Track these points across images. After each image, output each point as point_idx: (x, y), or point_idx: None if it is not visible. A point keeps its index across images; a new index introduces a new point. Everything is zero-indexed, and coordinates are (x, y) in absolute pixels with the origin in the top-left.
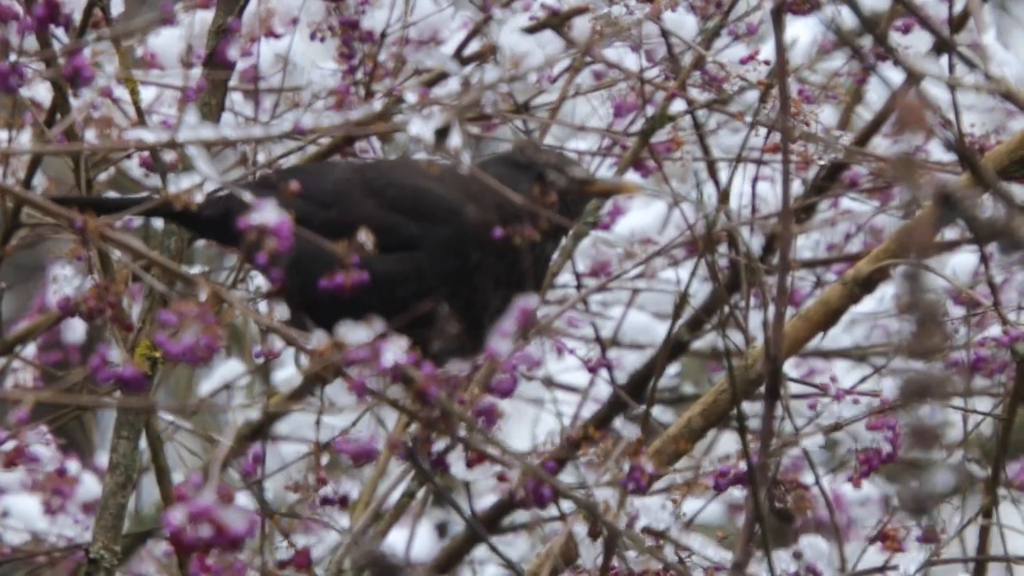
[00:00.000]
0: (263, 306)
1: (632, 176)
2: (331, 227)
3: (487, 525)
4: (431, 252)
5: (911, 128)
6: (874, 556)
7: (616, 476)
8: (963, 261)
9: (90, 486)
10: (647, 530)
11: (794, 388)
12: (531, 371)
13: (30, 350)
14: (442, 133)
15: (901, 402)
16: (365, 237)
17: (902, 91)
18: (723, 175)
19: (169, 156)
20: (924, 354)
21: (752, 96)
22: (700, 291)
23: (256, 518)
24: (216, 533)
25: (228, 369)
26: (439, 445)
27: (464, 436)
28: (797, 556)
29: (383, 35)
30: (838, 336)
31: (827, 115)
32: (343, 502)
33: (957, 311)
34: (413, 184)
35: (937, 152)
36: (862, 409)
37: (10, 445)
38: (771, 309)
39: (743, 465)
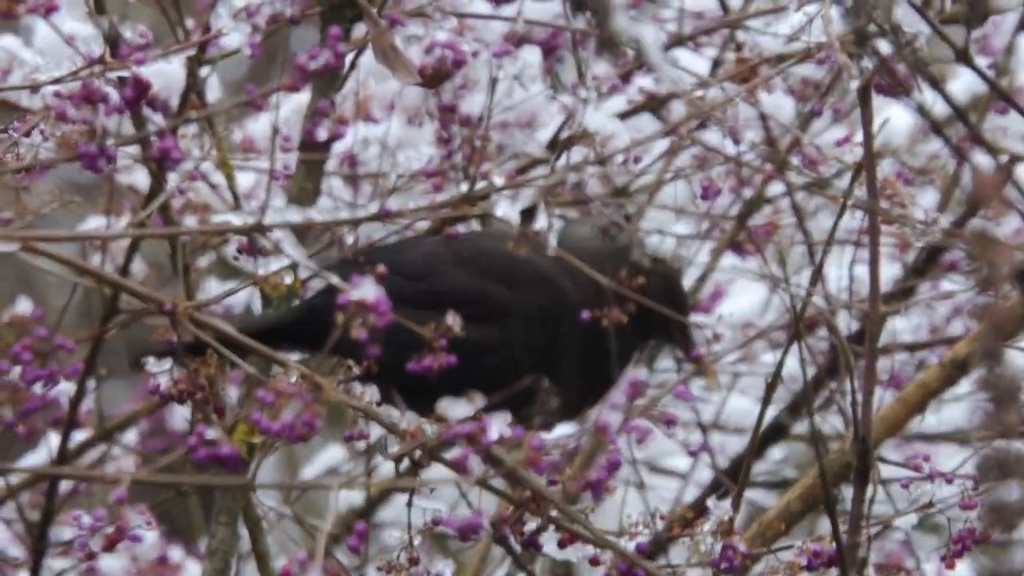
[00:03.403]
0: (356, 388)
1: (730, 259)
2: (422, 299)
3: None
4: (521, 320)
5: (987, 203)
6: None
7: (707, 556)
8: None
9: (193, 573)
10: None
11: (892, 472)
12: (642, 443)
13: (131, 437)
14: (528, 214)
15: (980, 480)
16: (453, 319)
17: (984, 169)
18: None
19: (265, 241)
20: (1003, 432)
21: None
22: (802, 374)
23: None
24: None
25: (330, 455)
26: (531, 526)
27: (555, 517)
28: None
29: (480, 119)
30: (950, 419)
31: (928, 198)
32: None
33: None
34: (505, 251)
35: None
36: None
37: (111, 527)
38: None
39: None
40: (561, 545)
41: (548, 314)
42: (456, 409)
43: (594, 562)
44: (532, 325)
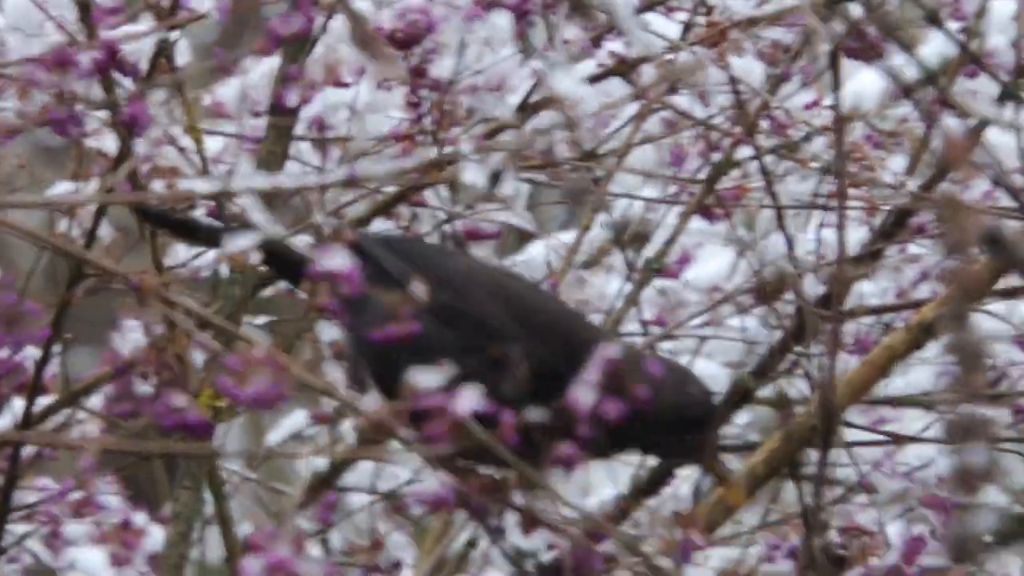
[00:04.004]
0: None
1: (698, 223)
2: (442, 309)
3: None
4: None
5: (956, 167)
6: None
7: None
8: None
9: (158, 538)
10: None
11: (859, 436)
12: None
13: (97, 401)
14: (496, 178)
15: (946, 444)
16: (418, 289)
17: (953, 133)
18: (792, 222)
19: (234, 207)
20: (969, 396)
21: (820, 142)
22: (770, 339)
23: (336, 570)
24: None
25: (295, 420)
26: (495, 510)
27: (519, 505)
28: None
29: (450, 83)
30: (917, 383)
31: (897, 162)
32: (397, 566)
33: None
34: (548, 305)
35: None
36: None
37: (77, 494)
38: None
39: (798, 509)
40: (525, 532)
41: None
42: (426, 382)
43: (553, 546)
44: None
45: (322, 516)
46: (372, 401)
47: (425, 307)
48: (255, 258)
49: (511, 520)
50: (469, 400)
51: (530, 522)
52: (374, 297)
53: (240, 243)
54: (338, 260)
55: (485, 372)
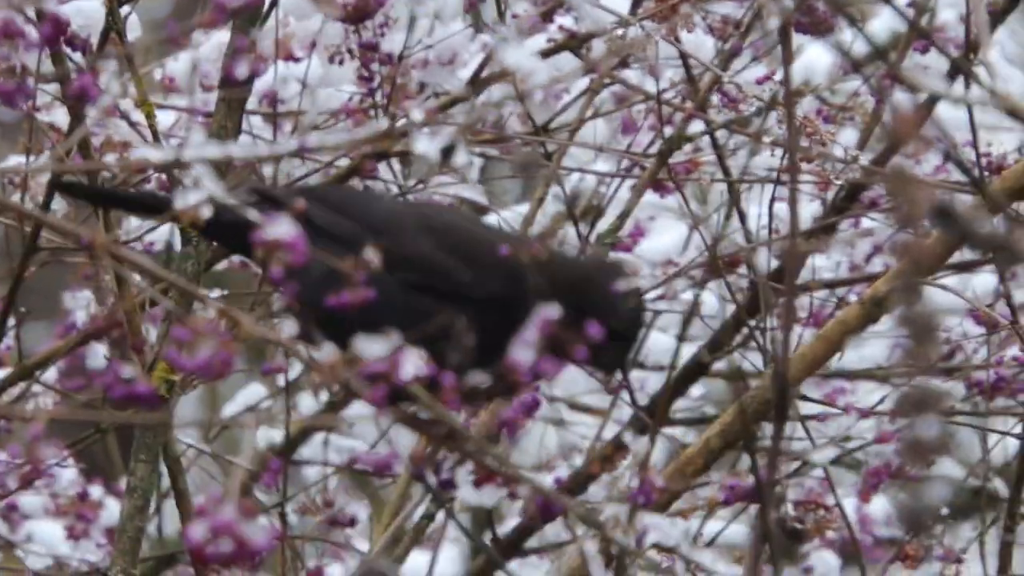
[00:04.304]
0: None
1: (650, 197)
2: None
3: (510, 548)
4: (471, 303)
5: (907, 141)
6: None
7: (625, 491)
8: (985, 281)
9: (114, 511)
10: (657, 546)
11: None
12: (553, 381)
13: (51, 375)
14: (448, 152)
15: (898, 416)
16: (373, 255)
17: (904, 107)
18: (746, 196)
19: (188, 179)
20: (921, 369)
21: (772, 117)
22: (725, 313)
23: (277, 533)
24: (237, 547)
25: (251, 392)
26: (448, 463)
27: (472, 453)
28: (807, 572)
29: (401, 57)
30: (870, 356)
31: (848, 136)
32: (352, 523)
33: (977, 330)
34: (476, 234)
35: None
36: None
37: (26, 463)
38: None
39: (752, 480)
40: (477, 484)
41: (501, 305)
42: (371, 348)
43: (511, 495)
44: (482, 312)
45: (268, 482)
46: (324, 354)
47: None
48: (206, 214)
49: (464, 472)
50: (412, 365)
51: (483, 474)
52: (316, 255)
53: (191, 200)
54: (283, 228)
55: (428, 312)
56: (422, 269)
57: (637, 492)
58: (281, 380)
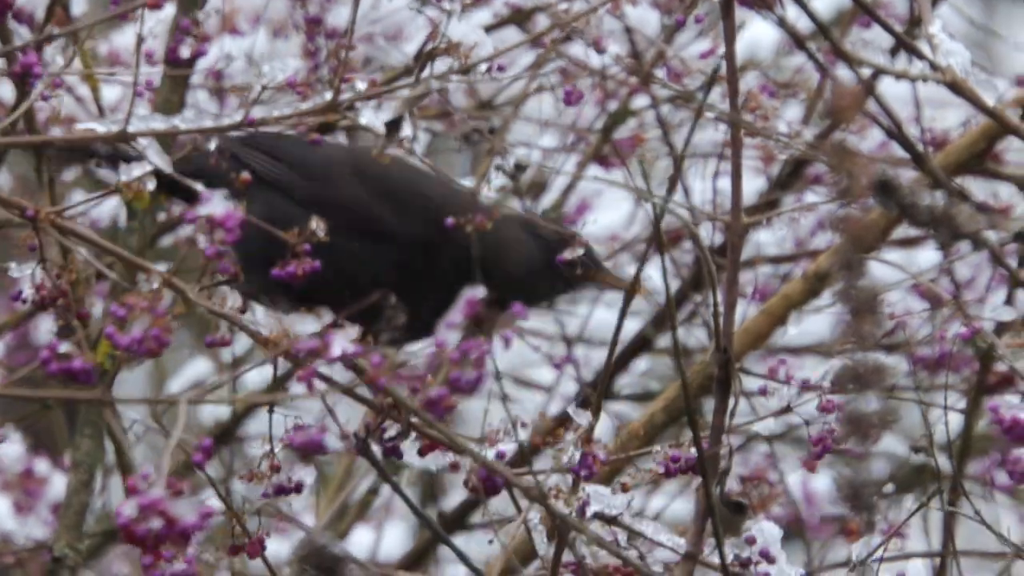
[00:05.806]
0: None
1: (595, 172)
2: (312, 201)
3: (455, 522)
4: (398, 247)
5: (849, 117)
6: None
7: (567, 463)
8: (930, 257)
9: (59, 486)
10: (599, 516)
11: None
12: (481, 360)
13: None
14: (394, 125)
15: (838, 391)
16: (318, 225)
17: (846, 83)
18: (691, 171)
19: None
20: (861, 344)
21: (717, 91)
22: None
23: (209, 509)
24: (166, 525)
25: (197, 368)
26: (391, 433)
27: (415, 423)
28: (750, 542)
29: (346, 32)
30: (814, 331)
31: (792, 111)
32: (298, 489)
33: (920, 305)
34: (407, 181)
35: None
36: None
37: None
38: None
39: (694, 452)
40: (421, 453)
41: (426, 250)
42: (303, 325)
43: (453, 467)
44: (407, 254)
45: (198, 461)
46: (267, 320)
47: (294, 197)
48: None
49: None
50: (341, 343)
51: (427, 445)
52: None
53: (135, 172)
54: (217, 206)
55: (357, 259)
56: (351, 214)
57: (580, 464)
58: (226, 354)
